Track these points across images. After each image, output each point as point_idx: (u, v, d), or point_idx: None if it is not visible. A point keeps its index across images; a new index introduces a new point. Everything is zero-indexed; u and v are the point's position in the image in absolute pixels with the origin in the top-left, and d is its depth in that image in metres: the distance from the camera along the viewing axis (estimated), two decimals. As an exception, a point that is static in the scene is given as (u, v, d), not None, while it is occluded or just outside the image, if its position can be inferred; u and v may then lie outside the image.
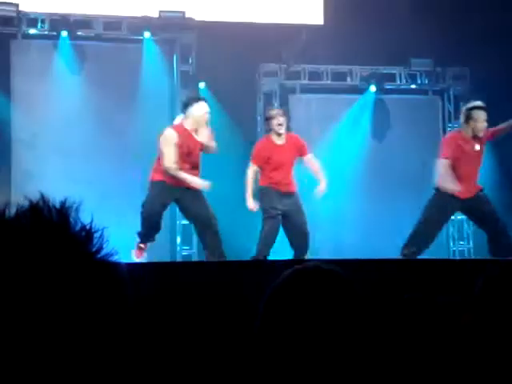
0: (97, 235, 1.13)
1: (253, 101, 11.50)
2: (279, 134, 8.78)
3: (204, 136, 8.31)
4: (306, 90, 11.67)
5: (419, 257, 8.67)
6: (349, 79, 11.84)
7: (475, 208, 8.62)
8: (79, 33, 10.83)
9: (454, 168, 8.64)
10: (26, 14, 10.64)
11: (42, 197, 1.12)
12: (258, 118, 11.49)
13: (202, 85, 11.16)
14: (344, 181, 11.17)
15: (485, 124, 8.65)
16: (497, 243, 8.47)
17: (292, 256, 8.70)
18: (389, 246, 10.63)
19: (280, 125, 8.77)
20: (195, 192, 8.32)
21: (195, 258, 10.36)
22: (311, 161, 8.94)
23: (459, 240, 11.57)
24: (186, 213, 8.56)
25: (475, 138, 8.67)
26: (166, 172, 8.19)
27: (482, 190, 8.71)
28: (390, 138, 11.70)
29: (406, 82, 11.93)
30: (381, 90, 11.79)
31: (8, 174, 10.24)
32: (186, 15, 10.92)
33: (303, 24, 11.39)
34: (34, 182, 9.44)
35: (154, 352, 4.81)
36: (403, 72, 11.89)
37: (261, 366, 1.76)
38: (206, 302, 5.41)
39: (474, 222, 9.08)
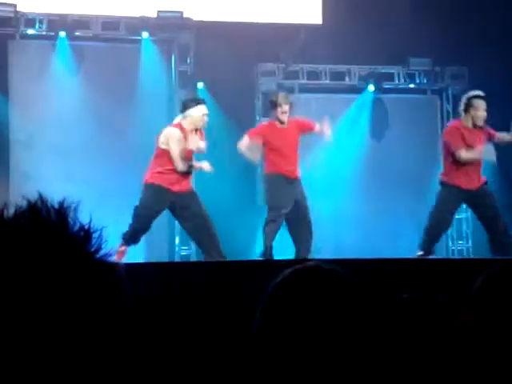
0: (95, 235, 1.12)
1: (251, 101, 11.50)
2: (282, 122, 8.79)
3: (194, 143, 8.29)
4: (304, 89, 11.67)
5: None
6: (347, 79, 11.84)
7: (480, 204, 8.63)
8: (77, 33, 10.82)
9: (453, 158, 8.68)
10: (23, 14, 10.63)
11: (41, 197, 1.12)
12: (257, 117, 11.49)
13: (200, 85, 11.16)
14: (343, 180, 11.18)
15: (484, 113, 8.68)
16: (497, 242, 8.48)
17: (293, 255, 8.69)
18: (388, 245, 10.64)
19: (284, 113, 8.77)
20: (191, 195, 8.32)
21: (194, 258, 10.35)
22: (319, 127, 8.91)
23: (458, 239, 11.57)
24: (180, 216, 8.49)
25: (475, 127, 8.70)
26: (162, 174, 8.21)
27: (486, 183, 8.74)
28: (388, 137, 11.71)
29: (405, 81, 11.94)
30: (379, 90, 11.79)
31: (6, 175, 10.23)
32: (184, 15, 10.92)
33: (301, 24, 11.39)
34: (33, 183, 9.44)
35: (152, 352, 4.81)
36: (402, 71, 11.89)
37: (260, 366, 1.76)
38: (204, 302, 5.41)
39: (476, 216, 9.07)
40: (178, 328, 5.19)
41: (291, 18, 11.41)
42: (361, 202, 11.22)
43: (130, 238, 8.25)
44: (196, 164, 8.37)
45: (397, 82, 11.93)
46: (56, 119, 10.37)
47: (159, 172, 8.26)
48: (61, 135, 10.33)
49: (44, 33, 10.75)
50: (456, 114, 11.48)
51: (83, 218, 1.14)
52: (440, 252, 10.49)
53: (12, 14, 10.48)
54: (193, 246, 10.53)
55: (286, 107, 8.76)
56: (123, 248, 8.14)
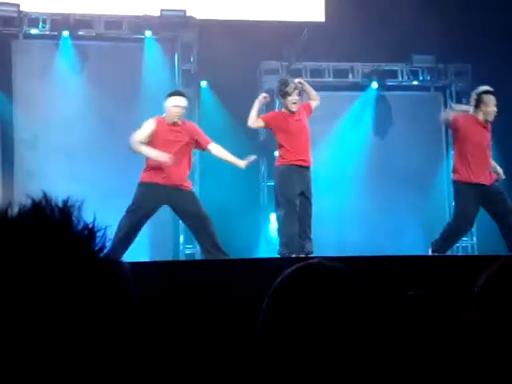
0: (99, 234, 1.13)
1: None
2: (292, 112, 8.77)
3: (156, 153, 8.32)
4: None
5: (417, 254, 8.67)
6: (350, 76, 11.83)
7: (492, 201, 8.60)
8: (80, 32, 10.83)
9: (471, 152, 8.64)
10: (27, 14, 10.64)
11: (45, 196, 1.12)
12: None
13: (203, 83, 11.16)
14: (346, 177, 11.18)
15: (495, 109, 8.69)
16: (509, 237, 8.49)
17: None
18: (392, 242, 10.64)
19: (294, 103, 8.76)
20: (186, 192, 8.30)
21: (198, 257, 10.36)
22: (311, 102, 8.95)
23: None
24: (178, 213, 8.49)
25: (486, 123, 8.73)
26: (149, 170, 8.23)
27: (497, 180, 8.75)
28: (392, 134, 11.70)
29: (408, 78, 11.92)
30: (383, 87, 11.78)
31: (11, 174, 10.24)
32: (187, 14, 10.92)
33: (304, 21, 11.38)
34: (37, 182, 9.45)
35: (157, 351, 4.81)
36: (405, 68, 11.88)
37: (264, 364, 1.76)
38: (209, 300, 5.41)
39: (487, 212, 8.97)
40: (182, 326, 5.19)
41: (294, 16, 11.41)
42: (364, 199, 11.22)
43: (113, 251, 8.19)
44: (153, 155, 8.30)
45: (400, 79, 11.92)
46: (60, 118, 10.37)
47: (146, 169, 8.33)
48: (64, 134, 10.34)
49: (47, 32, 10.76)
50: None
51: (87, 216, 1.14)
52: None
53: (15, 14, 10.49)
54: (197, 244, 10.54)
55: (297, 98, 8.74)
56: None
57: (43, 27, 10.73)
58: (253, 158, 8.60)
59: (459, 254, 11.09)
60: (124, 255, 7.71)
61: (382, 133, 11.74)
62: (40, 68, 10.58)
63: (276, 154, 11.19)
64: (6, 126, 10.33)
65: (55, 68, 10.66)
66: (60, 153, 10.27)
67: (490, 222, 8.88)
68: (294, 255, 8.23)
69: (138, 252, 8.49)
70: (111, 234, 1.15)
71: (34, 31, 10.74)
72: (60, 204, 1.12)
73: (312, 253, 8.41)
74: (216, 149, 8.58)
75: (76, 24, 10.75)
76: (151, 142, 8.37)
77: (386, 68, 11.79)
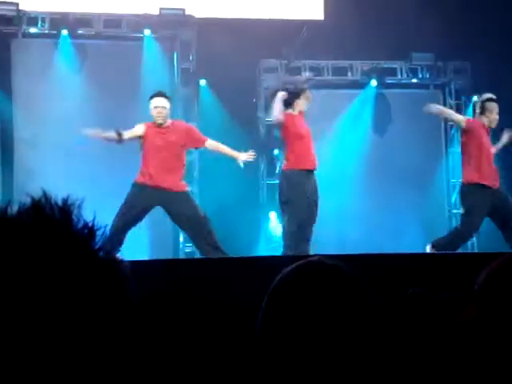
0: (99, 232, 1.13)
1: (253, 97, 11.50)
2: (302, 113, 8.70)
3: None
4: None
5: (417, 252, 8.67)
6: (350, 74, 11.83)
7: (500, 207, 8.60)
8: (79, 31, 10.83)
9: (478, 155, 8.65)
10: (26, 13, 10.64)
11: (44, 194, 1.12)
12: (259, 114, 11.48)
13: (202, 82, 11.16)
14: (346, 175, 11.18)
15: (497, 116, 8.75)
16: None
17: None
18: (391, 240, 10.64)
19: (309, 102, 8.72)
20: (181, 194, 8.29)
21: (198, 255, 10.36)
22: None
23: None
24: (173, 217, 8.42)
25: (489, 128, 8.81)
26: (143, 172, 8.24)
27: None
28: (391, 132, 11.70)
29: (407, 76, 11.93)
30: (382, 85, 11.78)
31: (10, 173, 10.25)
32: (186, 12, 10.91)
33: (303, 19, 11.38)
34: (36, 180, 9.44)
35: (157, 349, 4.82)
36: (404, 66, 11.88)
37: (264, 362, 1.76)
38: (209, 298, 5.41)
39: (493, 220, 8.91)
40: (182, 325, 5.19)
41: (293, 14, 11.40)
42: (364, 197, 11.22)
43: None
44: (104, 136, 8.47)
45: (399, 76, 11.92)
46: (59, 117, 10.37)
47: (142, 170, 8.35)
48: (64, 133, 10.33)
49: (46, 31, 10.76)
50: (459, 110, 11.51)
51: (87, 215, 1.14)
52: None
53: (14, 13, 10.49)
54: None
55: (310, 96, 8.72)
56: None
57: (42, 26, 10.74)
58: (252, 154, 8.55)
59: (459, 251, 11.09)
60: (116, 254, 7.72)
61: (382, 131, 11.75)
62: (39, 67, 10.58)
63: (275, 152, 11.20)
64: (6, 124, 10.34)
65: (54, 67, 10.67)
66: (59, 151, 10.27)
67: (489, 220, 8.88)
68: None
69: (137, 251, 8.50)
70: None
71: (33, 30, 10.75)
72: (60, 202, 1.12)
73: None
74: (213, 145, 8.54)
75: (75, 23, 10.76)
76: (142, 146, 8.42)
77: (385, 66, 11.79)
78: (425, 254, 8.28)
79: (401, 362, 2.15)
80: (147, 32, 10.93)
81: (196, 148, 8.75)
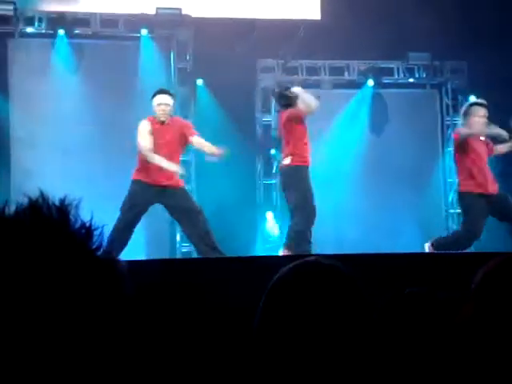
0: (96, 233, 1.13)
1: (250, 97, 11.50)
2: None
3: (162, 136, 8.32)
4: (303, 85, 11.65)
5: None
6: (346, 74, 11.83)
7: (498, 211, 8.61)
8: (76, 31, 10.82)
9: (473, 162, 8.65)
10: (23, 12, 10.63)
11: (42, 194, 1.12)
12: (257, 114, 11.49)
13: (199, 81, 11.16)
14: (343, 175, 11.18)
15: (484, 119, 8.70)
16: None
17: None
18: (388, 240, 10.64)
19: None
20: (178, 189, 8.30)
21: (195, 255, 10.36)
22: None
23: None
24: (171, 210, 8.43)
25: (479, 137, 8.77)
26: (141, 169, 8.22)
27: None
28: (388, 132, 11.70)
29: (404, 76, 11.93)
30: (379, 85, 11.78)
31: (7, 172, 10.24)
32: (183, 12, 10.91)
33: (300, 19, 11.38)
34: (34, 180, 9.43)
35: (154, 349, 4.81)
36: (401, 66, 11.88)
37: (261, 362, 1.76)
38: (206, 298, 5.41)
39: (501, 220, 8.93)
40: (179, 324, 5.19)
41: (290, 14, 11.40)
42: (361, 197, 11.22)
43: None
44: (165, 166, 8.29)
45: (396, 76, 11.92)
46: (56, 117, 10.37)
47: (139, 167, 8.32)
48: (61, 133, 10.34)
49: (43, 31, 10.75)
50: (455, 109, 11.52)
51: (84, 215, 1.14)
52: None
53: (11, 13, 10.48)
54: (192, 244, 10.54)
55: None
56: None
57: (39, 26, 10.73)
58: (224, 150, 8.46)
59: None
60: (120, 254, 7.74)
61: (378, 130, 11.75)
62: (36, 67, 10.57)
63: (272, 152, 11.20)
64: (3, 124, 10.33)
65: (51, 66, 10.66)
66: (57, 151, 10.27)
67: (487, 220, 8.88)
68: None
69: (134, 250, 8.48)
70: (107, 233, 1.15)
71: (29, 30, 10.73)
72: (57, 202, 1.12)
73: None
74: (197, 143, 8.51)
75: (72, 22, 10.75)
76: None
77: (382, 65, 11.80)
78: (422, 254, 8.28)
79: (398, 361, 2.15)
80: (144, 32, 10.92)
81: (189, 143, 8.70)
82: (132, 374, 1.15)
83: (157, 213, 8.66)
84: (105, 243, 1.14)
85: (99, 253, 1.12)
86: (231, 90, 10.51)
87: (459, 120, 10.40)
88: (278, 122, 8.96)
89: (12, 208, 1.12)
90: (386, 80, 11.85)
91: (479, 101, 8.88)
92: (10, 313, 1.05)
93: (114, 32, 10.94)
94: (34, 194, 1.12)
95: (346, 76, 11.82)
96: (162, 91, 8.58)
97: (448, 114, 11.89)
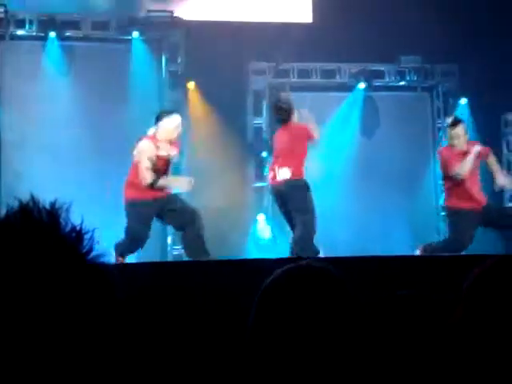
0: (87, 236, 1.13)
1: (242, 99, 11.50)
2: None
3: (164, 149, 8.25)
4: (295, 88, 11.66)
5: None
6: (338, 77, 11.84)
7: (488, 221, 8.63)
8: (67, 33, 10.81)
9: (459, 182, 8.64)
10: (14, 14, 10.61)
11: (32, 198, 1.12)
12: (248, 116, 11.49)
13: (191, 84, 11.15)
14: (334, 178, 11.19)
15: (465, 137, 8.69)
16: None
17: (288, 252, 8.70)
18: (379, 243, 10.64)
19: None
20: (169, 196, 8.30)
21: (186, 258, 10.35)
22: None
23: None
24: (166, 216, 8.41)
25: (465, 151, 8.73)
26: (138, 186, 8.15)
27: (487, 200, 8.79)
28: (379, 135, 11.72)
29: (395, 78, 11.95)
30: (370, 87, 11.80)
31: (-3, 175, 10.22)
32: (174, 14, 10.90)
33: (292, 22, 11.39)
34: (24, 183, 9.42)
35: (145, 352, 4.81)
36: (392, 69, 11.90)
37: (254, 365, 1.76)
38: (198, 301, 5.41)
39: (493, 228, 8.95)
40: (170, 327, 5.19)
41: (282, 17, 11.41)
42: (352, 200, 11.23)
43: (127, 251, 8.17)
44: (173, 184, 8.28)
45: (387, 79, 11.94)
46: (47, 119, 10.35)
47: (135, 184, 8.19)
48: (51, 135, 10.32)
49: (34, 33, 10.73)
50: (447, 112, 11.54)
51: (75, 218, 1.14)
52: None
53: (2, 15, 10.46)
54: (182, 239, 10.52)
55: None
56: (122, 258, 8.06)
57: (30, 28, 10.71)
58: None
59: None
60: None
61: (370, 133, 11.76)
62: (27, 69, 10.55)
63: (263, 155, 11.20)
64: (-7, 126, 10.31)
65: (42, 69, 10.64)
66: (48, 154, 10.25)
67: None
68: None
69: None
70: (98, 236, 1.15)
71: (20, 32, 10.71)
72: (48, 206, 1.12)
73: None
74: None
75: (63, 25, 10.73)
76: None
77: (374, 68, 11.81)
78: (413, 257, 8.29)
79: (390, 363, 2.15)
80: (135, 34, 10.91)
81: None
82: (123, 376, 1.14)
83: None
84: (95, 247, 1.13)
85: (90, 256, 1.12)
86: (223, 93, 10.51)
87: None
88: (280, 133, 8.95)
89: (2, 211, 1.12)
90: (377, 83, 11.87)
91: (456, 119, 8.91)
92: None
93: (105, 34, 10.93)
94: (25, 196, 1.12)
95: (338, 79, 11.83)
96: (178, 113, 8.52)
97: (439, 116, 11.91)
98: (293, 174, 8.64)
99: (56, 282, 1.07)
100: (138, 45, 10.99)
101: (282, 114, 8.77)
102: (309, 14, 11.51)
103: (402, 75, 11.93)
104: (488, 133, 9.91)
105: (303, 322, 1.73)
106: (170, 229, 10.53)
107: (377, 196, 11.26)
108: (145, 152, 8.11)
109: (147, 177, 8.05)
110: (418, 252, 8.78)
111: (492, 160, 8.80)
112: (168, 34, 11.00)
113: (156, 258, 10.24)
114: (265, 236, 10.79)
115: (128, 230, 8.14)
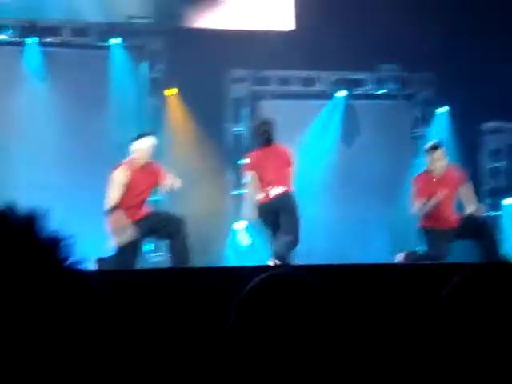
0: (64, 243, 1.12)
1: (222, 106, 11.50)
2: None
3: (165, 184, 8.34)
4: (275, 95, 11.68)
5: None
6: (318, 85, 11.88)
7: (463, 234, 8.71)
8: (47, 39, 10.77)
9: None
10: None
11: (9, 204, 1.11)
12: (228, 124, 11.49)
13: (171, 91, 11.13)
14: (313, 186, 11.20)
15: (445, 162, 8.79)
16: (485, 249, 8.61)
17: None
18: (359, 250, 10.67)
19: None
20: (152, 214, 8.37)
21: (166, 265, 10.32)
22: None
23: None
24: (152, 232, 8.53)
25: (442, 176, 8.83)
26: (125, 211, 8.18)
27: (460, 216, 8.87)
28: (359, 142, 11.75)
29: (375, 87, 12.00)
30: (349, 96, 11.84)
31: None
32: (155, 21, 10.89)
33: (272, 30, 11.41)
34: (1, 190, 9.37)
35: (124, 359, 4.79)
36: (372, 77, 11.95)
37: (232, 372, 1.76)
38: (177, 308, 5.40)
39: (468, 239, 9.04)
40: (149, 335, 5.18)
41: (262, 25, 11.43)
42: (331, 208, 11.25)
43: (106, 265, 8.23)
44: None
45: (367, 87, 11.99)
46: (26, 126, 10.31)
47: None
48: (30, 142, 10.27)
49: (13, 39, 10.69)
50: (425, 120, 11.60)
51: (52, 225, 1.14)
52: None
53: (-19, 21, 10.43)
54: (165, 252, 10.49)
55: None
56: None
57: (10, 33, 10.66)
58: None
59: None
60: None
61: (349, 141, 11.80)
62: (6, 75, 10.50)
63: (243, 162, 11.21)
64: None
65: (22, 74, 10.60)
66: (26, 160, 10.20)
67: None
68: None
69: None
70: (76, 242, 1.14)
71: (0, 37, 10.66)
72: (24, 213, 1.12)
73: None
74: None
75: (43, 31, 10.70)
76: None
77: (353, 77, 11.85)
78: (391, 265, 8.32)
79: (367, 370, 2.16)
80: (115, 41, 10.89)
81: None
82: (105, 382, 1.14)
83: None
84: (73, 253, 1.13)
85: (66, 263, 1.12)
86: (202, 100, 10.51)
87: (428, 131, 10.50)
88: (263, 155, 9.05)
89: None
90: (356, 91, 11.92)
91: (435, 143, 9.00)
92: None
93: (86, 41, 10.90)
94: (1, 203, 1.12)
95: (317, 87, 11.87)
96: (151, 134, 8.59)
97: (417, 125, 11.97)
98: (287, 189, 8.89)
99: (31, 289, 1.07)
100: (117, 51, 10.97)
101: (266, 136, 8.90)
102: (291, 21, 11.53)
103: (381, 83, 11.98)
104: (467, 141, 9.96)
105: (280, 329, 1.73)
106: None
107: (356, 203, 11.28)
108: (114, 182, 8.23)
109: (107, 207, 8.17)
110: (397, 258, 8.82)
111: (465, 190, 8.93)
112: (149, 41, 10.99)
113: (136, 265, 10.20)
114: (243, 243, 10.78)
115: (115, 258, 8.22)
